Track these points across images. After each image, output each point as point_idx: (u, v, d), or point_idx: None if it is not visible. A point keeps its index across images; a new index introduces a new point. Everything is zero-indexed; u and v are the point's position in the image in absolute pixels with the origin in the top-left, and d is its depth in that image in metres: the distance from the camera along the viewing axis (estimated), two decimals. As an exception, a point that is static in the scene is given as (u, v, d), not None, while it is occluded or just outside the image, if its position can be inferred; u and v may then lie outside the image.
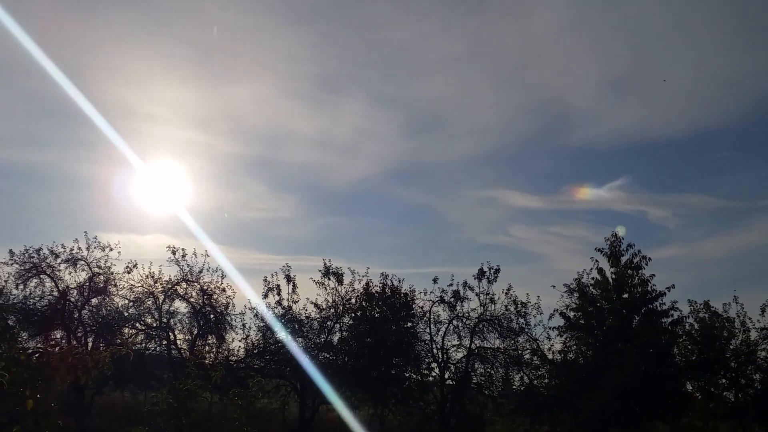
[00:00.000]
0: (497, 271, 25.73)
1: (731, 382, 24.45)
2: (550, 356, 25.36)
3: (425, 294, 26.34)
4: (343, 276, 26.70)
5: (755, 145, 70.86)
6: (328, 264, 26.81)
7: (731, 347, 24.40)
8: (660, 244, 63.59)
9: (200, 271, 26.55)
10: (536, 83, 71.17)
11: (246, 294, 26.73)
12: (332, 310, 26.55)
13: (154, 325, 26.68)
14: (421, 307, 26.55)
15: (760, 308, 24.10)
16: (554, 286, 25.12)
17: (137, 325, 26.55)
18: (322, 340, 26.30)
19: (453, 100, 75.74)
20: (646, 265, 24.03)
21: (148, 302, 26.34)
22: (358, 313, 26.53)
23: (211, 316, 26.71)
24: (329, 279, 26.67)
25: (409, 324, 26.39)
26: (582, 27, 65.37)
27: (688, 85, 68.05)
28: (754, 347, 24.21)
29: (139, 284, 26.39)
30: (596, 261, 24.34)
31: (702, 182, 71.10)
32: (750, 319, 24.35)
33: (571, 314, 24.53)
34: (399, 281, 26.67)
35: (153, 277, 26.61)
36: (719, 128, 71.00)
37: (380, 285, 26.57)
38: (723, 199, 66.67)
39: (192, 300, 26.67)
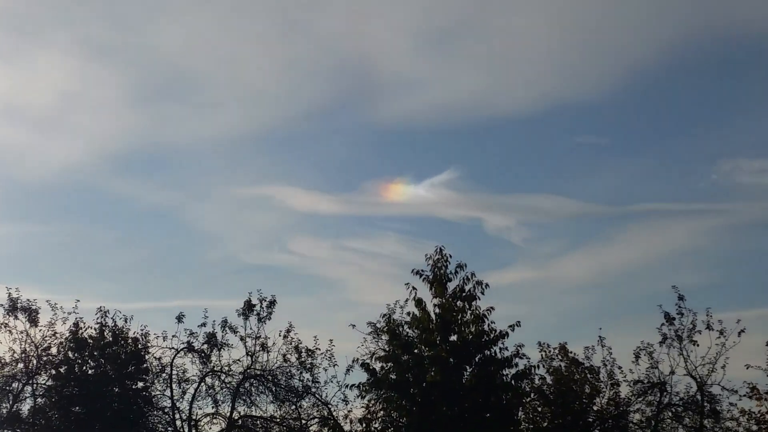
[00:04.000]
0: (272, 304, 23.76)
1: (596, 457, 24.11)
2: (347, 427, 24.13)
3: (165, 339, 24.19)
4: (38, 313, 24.58)
5: (627, 127, 62.98)
6: (14, 295, 24.55)
7: (595, 408, 23.81)
8: (501, 263, 55.25)
9: None
10: (329, 32, 61.35)
11: None
12: (21, 366, 24.24)
13: None
14: (159, 359, 24.76)
15: (634, 353, 23.22)
16: (354, 326, 23.19)
17: None
18: (5, 411, 23.99)
19: (209, 54, 63.84)
20: (483, 293, 21.81)
21: None
22: (62, 369, 24.38)
23: None
24: (16, 318, 24.40)
25: (141, 384, 24.73)
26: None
27: (539, 44, 60.44)
28: (626, 407, 23.74)
29: None
30: (413, 289, 21.90)
31: (557, 178, 61.59)
32: (620, 368, 23.62)
33: (378, 366, 22.36)
34: (126, 320, 24.48)
35: None
36: (581, 103, 61.89)
37: (97, 326, 24.49)
38: (585, 201, 58.39)
39: None
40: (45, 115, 62.28)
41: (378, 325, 23.03)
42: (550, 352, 23.95)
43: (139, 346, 24.23)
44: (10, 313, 23.61)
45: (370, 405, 22.67)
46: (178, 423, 24.13)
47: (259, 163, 64.62)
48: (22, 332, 23.67)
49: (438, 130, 63.14)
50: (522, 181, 63.37)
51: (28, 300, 24.17)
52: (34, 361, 23.76)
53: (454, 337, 21.71)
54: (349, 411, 23.53)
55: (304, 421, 23.85)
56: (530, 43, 60.40)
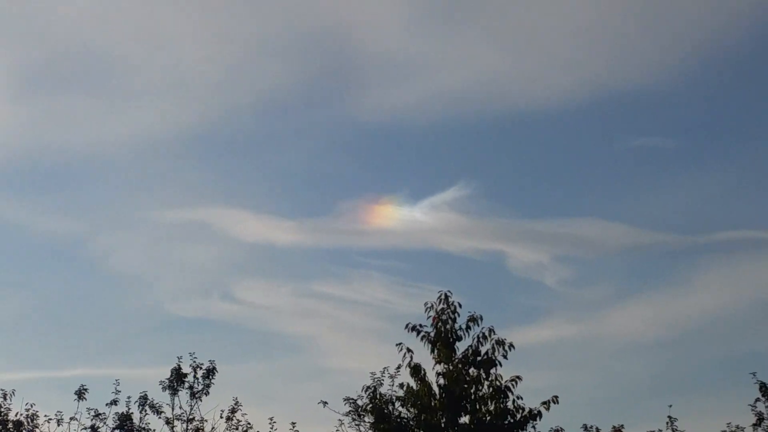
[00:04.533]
0: (210, 372, 21.02)
1: None
2: None
3: (60, 422, 20.68)
4: None
5: (704, 125, 52.21)
6: None
7: None
8: (530, 315, 46.07)
9: None
10: None
11: None
12: None
13: None
14: (53, 450, 21.95)
15: (717, 440, 19.90)
16: (326, 403, 20.30)
17: None
18: None
19: (123, 28, 53.42)
20: (506, 357, 18.75)
21: None
22: None
23: None
24: None
25: (28, 485, 21.43)
26: None
27: (580, 11, 50.00)
28: None
29: None
30: (408, 351, 18.89)
31: (607, 197, 51.69)
32: (698, 461, 20.03)
33: (361, 460, 20.00)
34: (5, 396, 21.27)
35: None
36: (638, 92, 51.17)
37: (-36, 404, 21.43)
38: (646, 229, 49.02)
39: None
40: None
41: (359, 402, 20.00)
42: (599, 437, 20.80)
43: (26, 431, 20.38)
44: None
45: None
46: None
47: (193, 176, 52.74)
48: None
49: (442, 130, 51.99)
50: (558, 200, 51.93)
51: None
52: None
53: (465, 419, 18.19)
54: None
55: None
56: (568, 10, 49.60)
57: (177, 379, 20.17)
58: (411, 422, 18.66)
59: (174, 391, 20.16)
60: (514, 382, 17.86)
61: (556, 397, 17.79)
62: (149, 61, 51.98)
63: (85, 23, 51.36)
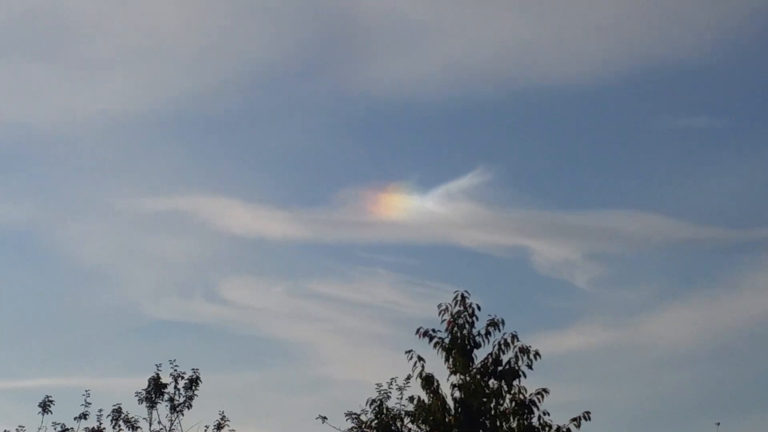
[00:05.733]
0: (194, 382, 19.80)
1: None
2: None
3: None
4: None
5: (759, 102, 47.93)
6: None
7: None
8: (559, 319, 42.85)
9: None
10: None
11: None
12: None
13: None
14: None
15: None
16: (325, 418, 19.46)
17: None
18: None
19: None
20: (530, 367, 18.27)
21: None
22: None
23: None
24: None
25: None
26: None
27: None
28: None
29: None
30: (419, 360, 18.26)
31: (647, 185, 47.98)
32: (750, 482, 18.90)
33: (364, 484, 19.72)
34: None
35: None
36: (683, 65, 47.41)
37: None
38: (692, 222, 45.85)
39: None
40: None
41: (363, 418, 18.43)
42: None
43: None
44: None
45: None
46: None
47: (172, 159, 47.54)
48: None
49: (458, 106, 47.02)
50: (591, 189, 47.84)
51: None
52: None
53: (483, 437, 17.20)
54: None
55: None
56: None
57: (155, 390, 18.82)
58: (421, 441, 18.59)
59: (152, 404, 18.74)
60: (540, 396, 17.06)
61: (588, 413, 16.87)
62: (121, 26, 46.51)
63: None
